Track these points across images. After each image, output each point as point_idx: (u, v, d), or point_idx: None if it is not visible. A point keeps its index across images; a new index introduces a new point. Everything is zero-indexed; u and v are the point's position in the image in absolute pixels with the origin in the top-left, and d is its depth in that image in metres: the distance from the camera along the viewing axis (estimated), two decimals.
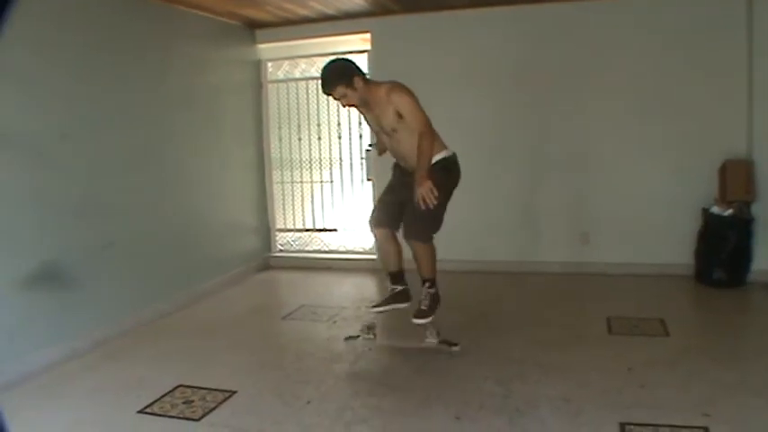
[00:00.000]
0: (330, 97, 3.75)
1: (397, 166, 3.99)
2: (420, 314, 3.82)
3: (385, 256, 4.04)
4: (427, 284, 3.90)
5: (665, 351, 3.87)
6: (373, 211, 4.09)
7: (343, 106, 3.87)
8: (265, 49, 6.61)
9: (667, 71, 5.47)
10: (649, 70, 5.52)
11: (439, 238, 6.44)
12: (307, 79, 6.76)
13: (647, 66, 5.52)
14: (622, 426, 2.86)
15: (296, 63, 6.82)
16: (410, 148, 3.65)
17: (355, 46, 6.39)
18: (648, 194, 5.64)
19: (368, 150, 6.26)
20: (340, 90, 3.64)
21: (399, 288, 4.00)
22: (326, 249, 6.91)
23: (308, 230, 7.03)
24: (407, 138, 3.65)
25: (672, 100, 5.49)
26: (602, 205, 5.77)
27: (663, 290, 5.25)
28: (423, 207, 3.50)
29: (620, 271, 5.67)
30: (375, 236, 4.04)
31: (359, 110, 3.94)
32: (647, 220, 5.65)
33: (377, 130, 3.89)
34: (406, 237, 3.83)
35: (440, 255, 6.50)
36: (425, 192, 3.47)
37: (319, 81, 3.76)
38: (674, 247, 5.55)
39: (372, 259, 6.46)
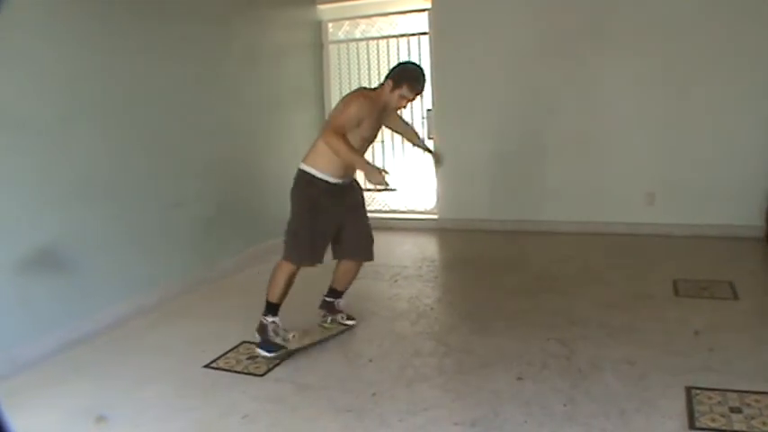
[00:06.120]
0: (410, 98, 3.49)
1: (326, 186, 3.52)
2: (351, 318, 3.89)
3: (286, 289, 3.58)
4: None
5: (733, 315, 3.78)
6: (305, 246, 3.56)
7: (404, 106, 3.59)
8: (326, 9, 6.58)
9: (741, 26, 5.20)
10: (722, 26, 5.25)
11: (501, 199, 6.34)
12: (367, 39, 6.73)
13: (720, 21, 5.25)
14: (688, 390, 2.81)
15: (356, 23, 6.79)
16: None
17: (416, 4, 6.32)
18: (717, 154, 5.43)
19: (428, 110, 6.24)
20: None
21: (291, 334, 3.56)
22: (387, 209, 6.92)
23: (368, 190, 7.01)
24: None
25: (743, 57, 5.23)
26: (668, 165, 5.59)
27: (732, 252, 5.09)
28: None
29: (688, 232, 5.52)
30: (289, 270, 3.59)
31: (373, 112, 3.50)
32: (716, 180, 5.46)
33: (370, 136, 3.60)
34: (363, 258, 3.80)
35: (501, 216, 6.45)
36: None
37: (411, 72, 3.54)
38: (744, 209, 5.36)
39: (434, 219, 6.47)
